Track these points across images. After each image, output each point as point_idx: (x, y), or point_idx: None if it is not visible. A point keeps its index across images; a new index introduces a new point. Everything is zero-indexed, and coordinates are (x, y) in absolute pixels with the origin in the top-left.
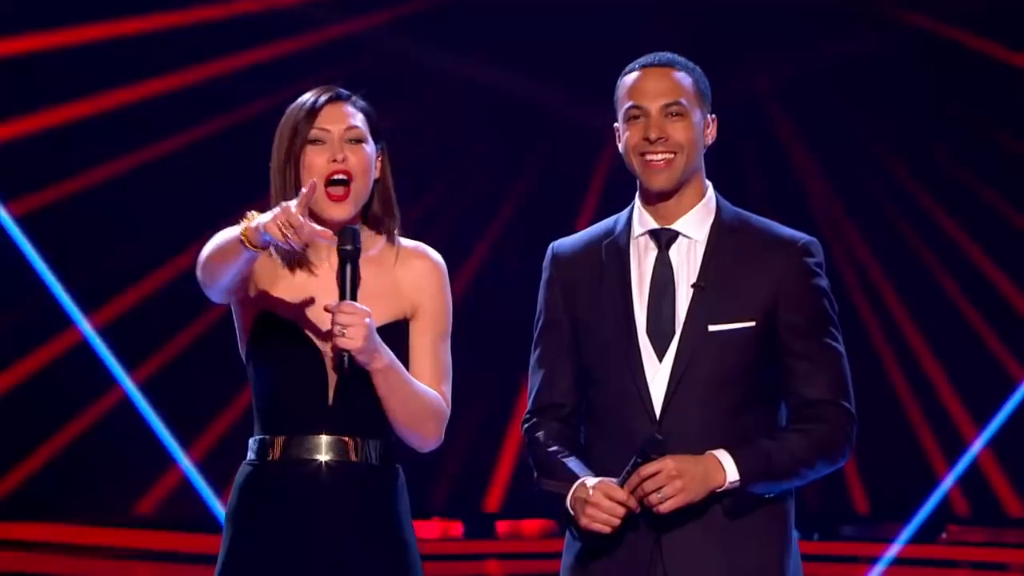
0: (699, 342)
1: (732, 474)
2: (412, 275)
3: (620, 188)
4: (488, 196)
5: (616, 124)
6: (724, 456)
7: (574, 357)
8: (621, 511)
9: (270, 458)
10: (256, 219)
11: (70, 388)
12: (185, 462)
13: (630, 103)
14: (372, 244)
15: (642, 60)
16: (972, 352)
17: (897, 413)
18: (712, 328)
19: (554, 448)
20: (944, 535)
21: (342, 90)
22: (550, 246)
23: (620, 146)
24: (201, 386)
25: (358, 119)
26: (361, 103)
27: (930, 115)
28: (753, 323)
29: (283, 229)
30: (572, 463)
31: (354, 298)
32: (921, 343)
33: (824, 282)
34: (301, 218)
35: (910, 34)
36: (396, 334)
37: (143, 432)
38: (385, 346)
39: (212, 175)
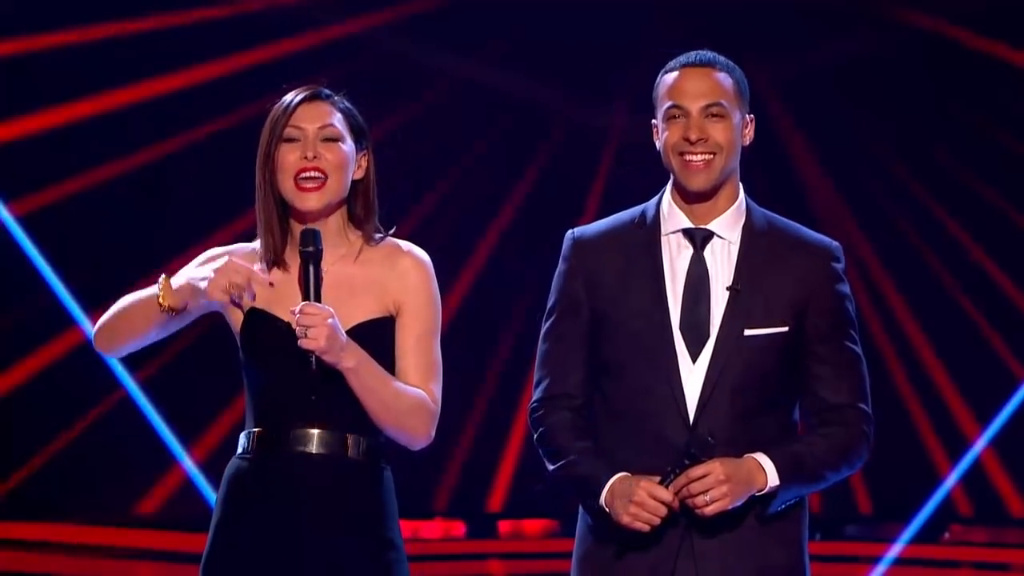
0: (734, 346)
1: (772, 478)
2: (395, 273)
3: (620, 188)
4: (488, 196)
5: (654, 121)
6: (764, 459)
7: (589, 348)
8: (664, 511)
9: (257, 450)
10: (175, 282)
11: (72, 388)
12: (187, 462)
13: (670, 103)
14: (355, 242)
15: (682, 59)
16: (974, 351)
17: (899, 412)
18: (748, 332)
19: (571, 440)
20: (946, 535)
21: (324, 89)
22: (569, 234)
23: (658, 143)
24: (203, 385)
25: (335, 118)
26: (343, 104)
27: (930, 115)
28: (786, 328)
29: (230, 291)
30: (593, 460)
31: (317, 299)
32: (923, 342)
33: (847, 287)
34: (239, 272)
35: (910, 34)
36: (378, 331)
37: (145, 432)
38: (355, 345)
39: (213, 175)
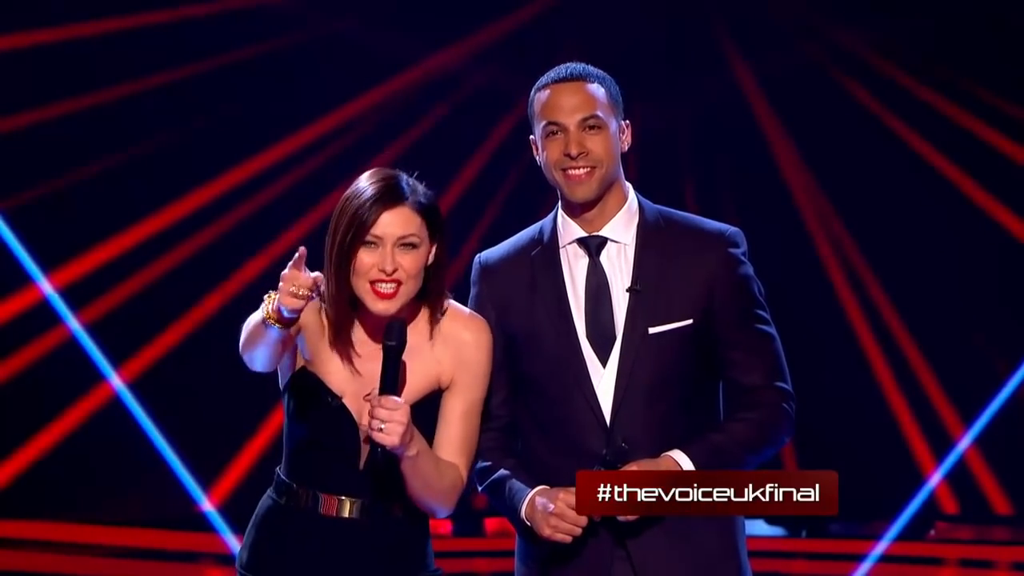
0: (641, 345)
1: None
2: (454, 348)
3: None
4: (481, 195)
5: (532, 137)
6: (680, 456)
7: (508, 369)
8: (584, 520)
9: (294, 507)
10: (274, 299)
11: (58, 385)
12: (173, 460)
13: (547, 120)
14: (415, 313)
15: (553, 74)
16: (959, 349)
17: (884, 411)
18: (652, 330)
19: (495, 459)
20: (932, 532)
21: (403, 185)
22: (476, 259)
23: (539, 159)
24: (189, 383)
25: (414, 224)
26: (422, 200)
27: (911, 110)
28: (690, 321)
29: (295, 294)
30: (518, 476)
31: (395, 393)
32: (908, 341)
33: (750, 269)
34: (302, 277)
35: (906, 30)
36: (427, 408)
37: (131, 430)
38: (418, 434)
39: (200, 173)
